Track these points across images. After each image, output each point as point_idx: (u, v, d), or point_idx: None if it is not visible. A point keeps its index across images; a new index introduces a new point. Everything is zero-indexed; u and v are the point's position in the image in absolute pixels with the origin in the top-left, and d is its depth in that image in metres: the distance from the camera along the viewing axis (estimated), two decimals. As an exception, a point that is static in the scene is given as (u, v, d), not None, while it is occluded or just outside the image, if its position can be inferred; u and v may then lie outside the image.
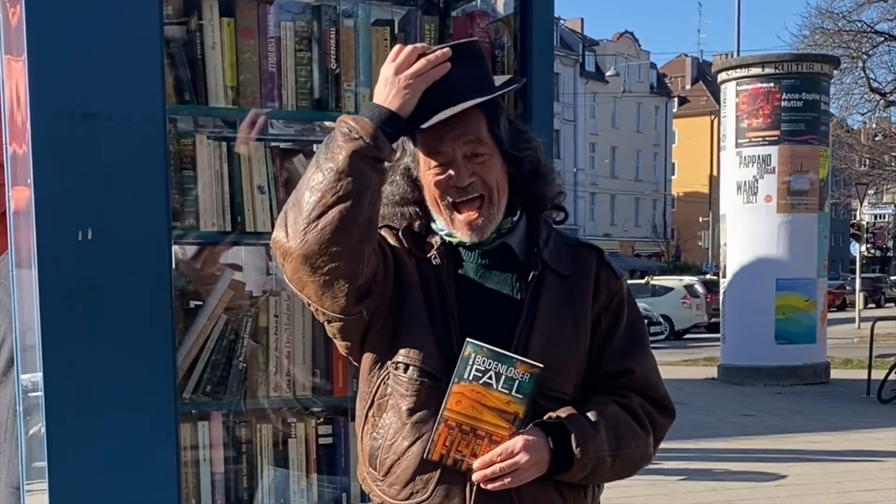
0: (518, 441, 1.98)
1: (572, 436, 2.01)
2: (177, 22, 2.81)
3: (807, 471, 8.38)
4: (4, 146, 2.94)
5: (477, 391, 1.98)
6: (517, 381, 1.99)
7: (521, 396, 1.99)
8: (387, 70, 2.04)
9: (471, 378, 1.98)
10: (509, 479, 1.98)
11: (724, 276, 15.40)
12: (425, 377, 2.05)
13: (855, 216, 39.63)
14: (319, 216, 1.94)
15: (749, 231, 14.70)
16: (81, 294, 2.56)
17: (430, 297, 2.10)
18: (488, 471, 1.98)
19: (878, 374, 13.02)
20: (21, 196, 2.73)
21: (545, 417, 2.05)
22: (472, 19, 3.09)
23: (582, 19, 64.45)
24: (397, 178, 2.15)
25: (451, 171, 2.06)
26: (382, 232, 2.15)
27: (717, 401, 12.71)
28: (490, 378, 1.98)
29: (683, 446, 8.79)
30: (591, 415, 2.06)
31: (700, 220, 56.56)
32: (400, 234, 2.17)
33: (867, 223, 40.81)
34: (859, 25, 25.84)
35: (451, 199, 2.08)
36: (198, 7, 2.83)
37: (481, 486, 1.99)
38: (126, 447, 2.60)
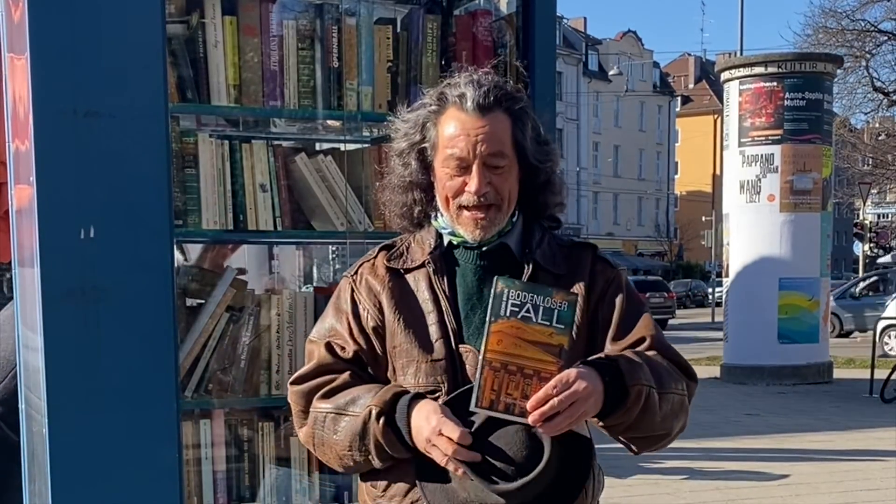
0: (572, 371, 1.87)
1: (620, 363, 1.94)
2: (179, 20, 2.82)
3: (809, 470, 8.37)
4: (7, 144, 2.94)
5: (516, 327, 1.88)
6: (556, 311, 1.89)
7: (562, 326, 1.89)
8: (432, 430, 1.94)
9: (508, 314, 1.88)
10: (567, 414, 1.85)
11: (727, 276, 15.37)
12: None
13: (858, 215, 39.55)
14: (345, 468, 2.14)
15: (752, 230, 14.68)
16: (83, 292, 2.56)
17: (424, 304, 2.09)
18: (546, 407, 1.84)
19: (880, 374, 12.99)
20: (23, 194, 2.73)
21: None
22: (475, 18, 3.09)
23: (585, 18, 64.34)
24: (411, 160, 2.14)
25: (467, 178, 2.05)
26: (361, 289, 2.15)
27: (720, 400, 12.69)
28: (528, 311, 1.88)
29: (686, 445, 8.78)
30: (627, 353, 2.00)
31: (703, 219, 56.43)
32: (375, 262, 2.18)
33: (870, 222, 40.70)
34: (863, 24, 25.82)
35: (461, 203, 2.08)
36: (200, 5, 2.83)
37: (537, 429, 1.87)
38: (128, 445, 2.61)
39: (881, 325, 18.21)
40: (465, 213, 2.08)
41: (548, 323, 1.89)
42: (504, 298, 1.89)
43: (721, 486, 7.78)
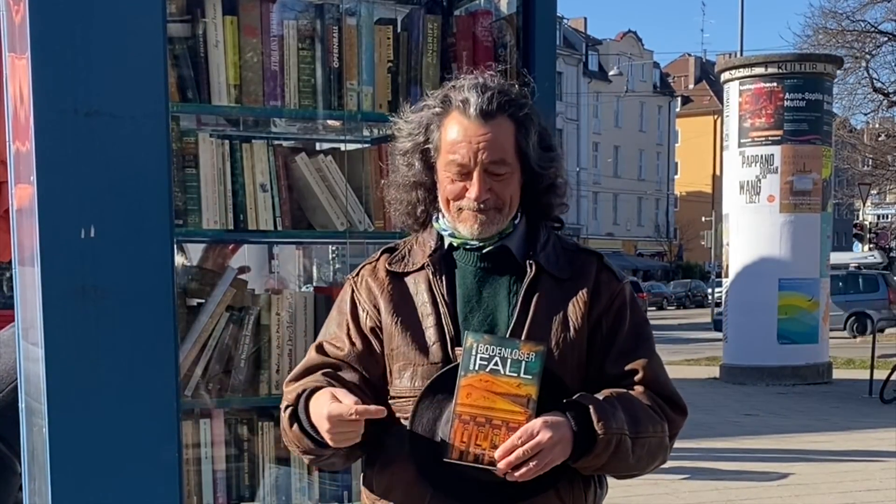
0: (537, 422, 1.91)
1: (591, 410, 1.95)
2: (180, 20, 2.82)
3: (809, 470, 8.37)
4: (8, 144, 2.94)
5: (485, 380, 1.94)
6: (524, 363, 1.94)
7: (530, 377, 1.94)
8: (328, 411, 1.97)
9: (477, 368, 1.94)
10: (535, 463, 1.89)
11: (726, 276, 15.37)
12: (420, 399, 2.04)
13: (858, 216, 39.62)
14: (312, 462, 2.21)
15: (752, 231, 14.68)
16: (84, 292, 2.56)
17: (422, 307, 2.09)
18: (512, 457, 1.89)
19: (880, 375, 12.99)
20: (24, 194, 2.73)
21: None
22: (475, 18, 3.09)
23: (585, 18, 64.30)
24: (415, 160, 2.13)
25: (468, 184, 2.05)
26: (362, 291, 2.17)
27: (720, 400, 12.68)
28: (496, 364, 1.94)
29: (685, 446, 8.77)
30: (602, 397, 2.01)
31: (703, 219, 56.35)
32: (377, 265, 2.18)
33: (870, 223, 40.74)
34: (863, 25, 25.78)
35: (462, 206, 2.07)
36: (201, 5, 2.83)
37: (507, 477, 1.91)
38: (128, 444, 2.61)
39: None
40: (466, 211, 2.07)
41: (515, 374, 1.95)
42: (473, 353, 1.95)
43: (720, 486, 7.78)
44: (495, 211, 2.07)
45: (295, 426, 2.05)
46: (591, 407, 1.96)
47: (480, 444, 1.93)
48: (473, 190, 2.04)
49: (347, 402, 1.93)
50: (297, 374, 2.16)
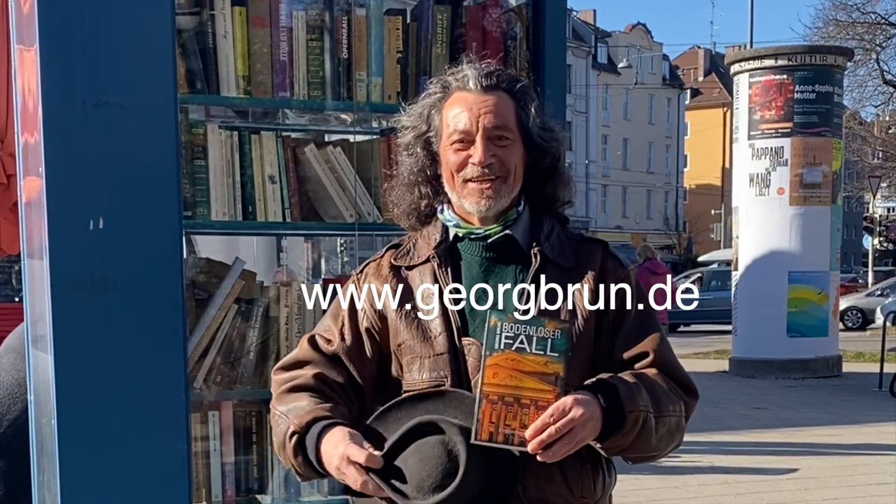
0: (568, 399, 1.89)
1: (618, 389, 1.94)
2: (189, 11, 2.81)
3: (818, 464, 8.35)
4: (17, 137, 2.94)
5: (512, 359, 1.90)
6: (549, 340, 1.91)
7: (556, 355, 1.91)
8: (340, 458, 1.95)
9: (502, 347, 1.91)
10: (566, 441, 1.88)
11: (736, 269, 15.33)
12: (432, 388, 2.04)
13: (868, 209, 39.48)
14: None
15: (761, 223, 14.62)
16: (93, 284, 2.56)
17: (426, 299, 2.09)
18: (544, 435, 1.86)
19: (890, 368, 12.95)
20: (32, 186, 2.73)
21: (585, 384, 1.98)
22: (484, 9, 3.07)
23: (594, 11, 64.15)
24: (418, 150, 2.14)
25: (472, 150, 2.05)
26: (362, 290, 2.16)
27: (729, 394, 12.66)
28: (522, 343, 1.90)
29: (694, 439, 8.76)
30: (626, 376, 2.00)
31: (712, 212, 56.29)
32: (381, 262, 2.18)
33: (880, 216, 40.60)
34: (873, 17, 25.71)
35: (466, 176, 2.07)
36: (210, -4, 2.82)
37: (538, 457, 1.88)
38: (137, 437, 2.60)
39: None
40: (471, 184, 2.07)
41: (542, 352, 1.91)
42: (497, 332, 1.92)
43: (729, 479, 7.77)
44: (501, 180, 2.06)
45: (300, 456, 2.02)
46: (618, 387, 1.95)
47: (510, 424, 1.89)
48: (477, 154, 2.04)
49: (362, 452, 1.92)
50: (287, 364, 2.17)
